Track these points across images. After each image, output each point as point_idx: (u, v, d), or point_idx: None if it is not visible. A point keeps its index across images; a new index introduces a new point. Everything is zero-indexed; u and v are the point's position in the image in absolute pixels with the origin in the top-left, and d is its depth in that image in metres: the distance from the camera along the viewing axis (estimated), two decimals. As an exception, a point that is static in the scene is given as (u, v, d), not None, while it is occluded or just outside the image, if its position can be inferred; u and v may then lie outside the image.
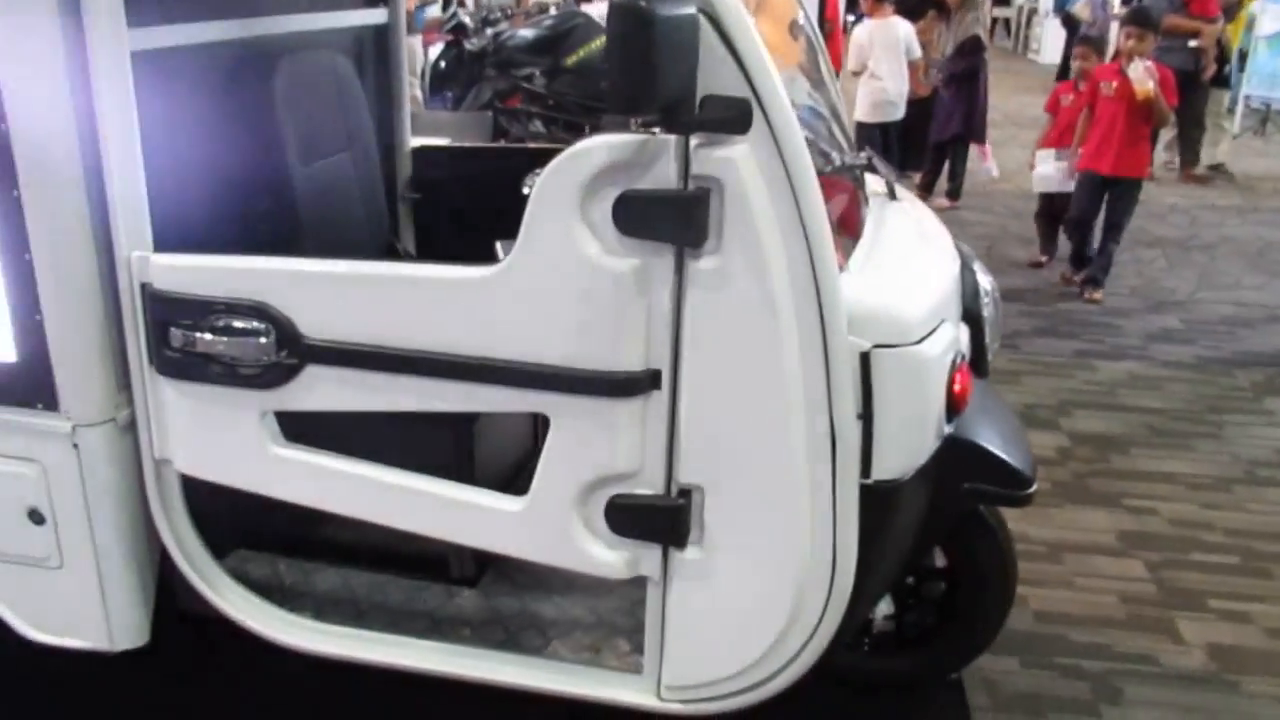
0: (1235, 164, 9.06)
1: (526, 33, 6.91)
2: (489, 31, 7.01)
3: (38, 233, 1.87)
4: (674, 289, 1.73)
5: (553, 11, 7.48)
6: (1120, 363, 4.82)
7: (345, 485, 2.01)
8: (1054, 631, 2.82)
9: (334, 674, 2.25)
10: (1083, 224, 5.74)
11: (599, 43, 6.62)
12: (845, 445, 1.77)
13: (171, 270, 1.91)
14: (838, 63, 7.80)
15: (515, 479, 2.46)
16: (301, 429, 2.03)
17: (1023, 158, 6.34)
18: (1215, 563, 3.19)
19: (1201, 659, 2.75)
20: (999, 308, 2.36)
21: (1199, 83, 8.10)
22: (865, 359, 1.79)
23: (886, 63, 7.25)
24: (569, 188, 1.70)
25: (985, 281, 2.30)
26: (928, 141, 7.72)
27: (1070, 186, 5.84)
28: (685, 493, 1.86)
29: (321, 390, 1.92)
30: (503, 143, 6.30)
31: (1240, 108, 10.27)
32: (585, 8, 7.33)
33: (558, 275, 1.74)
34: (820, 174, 1.69)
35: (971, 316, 2.22)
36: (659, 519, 1.88)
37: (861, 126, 7.10)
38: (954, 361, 1.97)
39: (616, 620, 2.22)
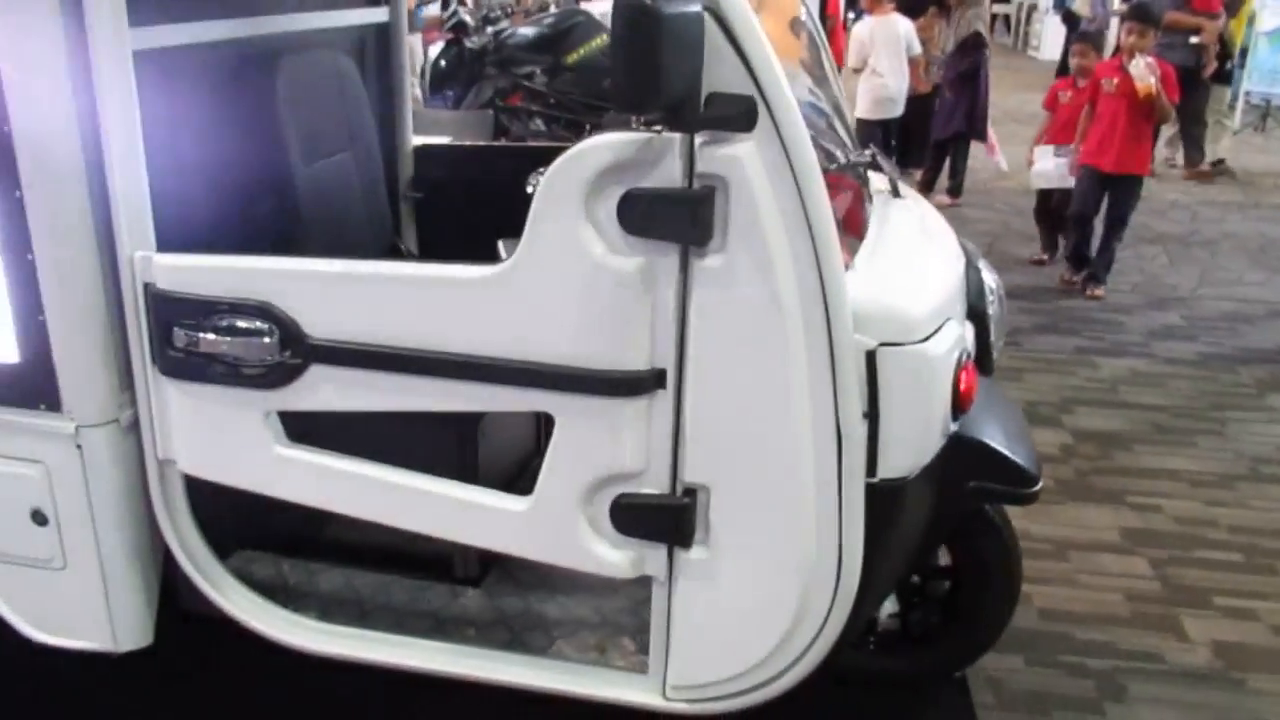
0: (1235, 160, 9.05)
1: (527, 31, 6.90)
2: (489, 30, 6.99)
3: (40, 233, 1.87)
4: (679, 288, 1.73)
5: (553, 9, 7.48)
6: (1122, 359, 4.81)
7: (349, 485, 2.01)
8: (1059, 629, 2.82)
9: (338, 674, 2.24)
10: (1084, 220, 5.74)
11: (600, 41, 6.61)
12: (851, 444, 1.77)
13: (174, 270, 1.91)
14: (839, 60, 7.79)
15: (518, 479, 2.46)
16: (305, 429, 2.03)
17: (1023, 154, 6.32)
18: (1219, 560, 3.19)
19: (1206, 656, 2.74)
20: (1004, 305, 2.35)
21: (1200, 79, 8.09)
22: (871, 357, 1.78)
23: (887, 59, 7.24)
24: (573, 186, 1.69)
25: (990, 279, 2.29)
26: (928, 139, 7.71)
27: (1069, 183, 5.83)
28: (690, 492, 1.85)
29: (325, 390, 1.92)
30: (503, 141, 6.29)
31: (1240, 104, 10.26)
32: (585, 6, 7.33)
33: (562, 274, 1.74)
34: (825, 172, 1.69)
35: (976, 314, 2.21)
36: (664, 518, 1.87)
37: (862, 123, 7.09)
38: (959, 360, 1.96)
39: (621, 620, 2.22)
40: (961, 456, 2.04)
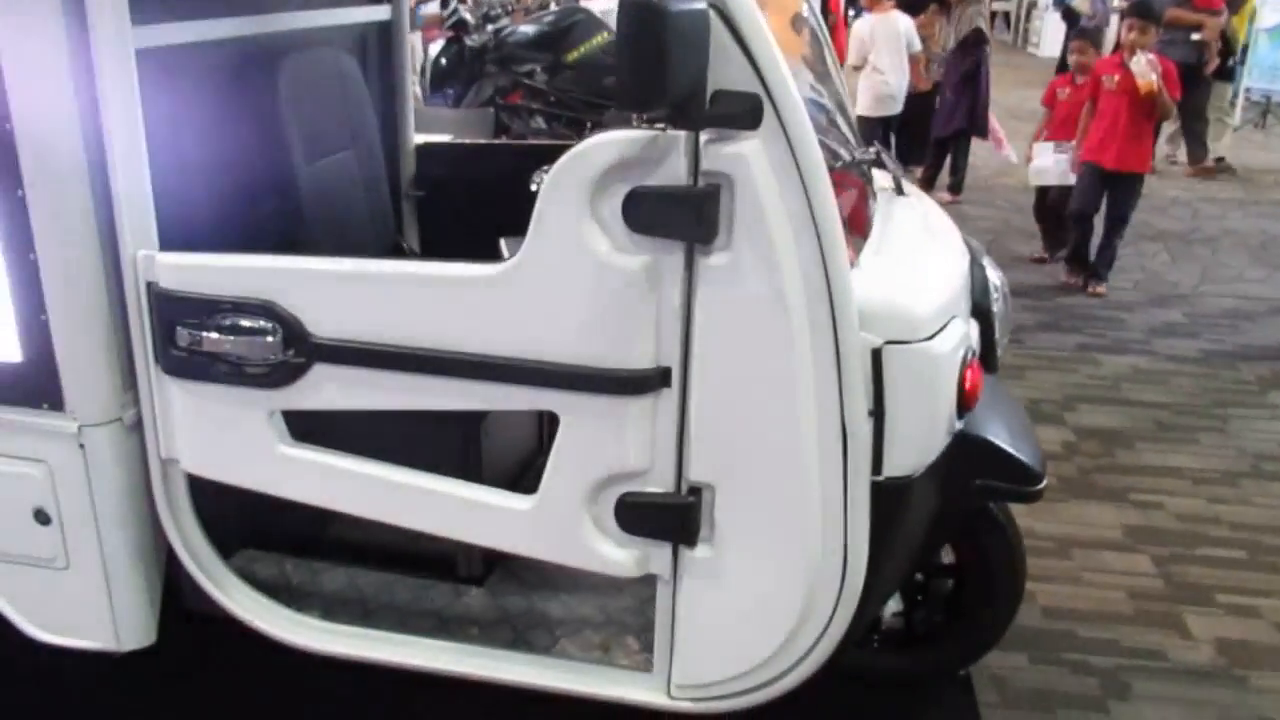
0: (1236, 157, 9.06)
1: (527, 29, 6.90)
2: (490, 28, 6.99)
3: (43, 232, 1.86)
4: (684, 286, 1.72)
5: (553, 7, 7.47)
6: (1124, 357, 4.81)
7: (353, 484, 2.00)
8: (1062, 627, 2.82)
9: (341, 674, 2.24)
10: (1085, 217, 5.73)
11: (600, 39, 6.61)
12: (857, 442, 1.76)
13: (177, 269, 1.90)
14: (840, 57, 7.78)
15: (521, 478, 2.46)
16: (308, 428, 2.02)
17: (1022, 151, 6.32)
18: (1222, 557, 3.19)
19: (1210, 654, 2.74)
20: (1008, 303, 2.35)
21: (1201, 76, 8.08)
22: (876, 355, 1.78)
23: (888, 57, 7.23)
24: (578, 184, 1.68)
25: (994, 276, 2.29)
26: (929, 136, 7.71)
27: (1070, 180, 5.82)
28: (695, 491, 1.85)
29: (329, 389, 1.91)
30: (504, 139, 6.29)
31: (1240, 100, 10.26)
32: (585, 3, 7.32)
33: (567, 272, 1.73)
34: (830, 169, 1.68)
35: (981, 312, 2.21)
36: (669, 517, 1.87)
37: (863, 121, 7.08)
38: (965, 358, 1.96)
39: (625, 619, 2.22)
40: (966, 454, 2.04)
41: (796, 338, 1.70)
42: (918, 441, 1.88)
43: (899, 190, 2.49)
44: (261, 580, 2.29)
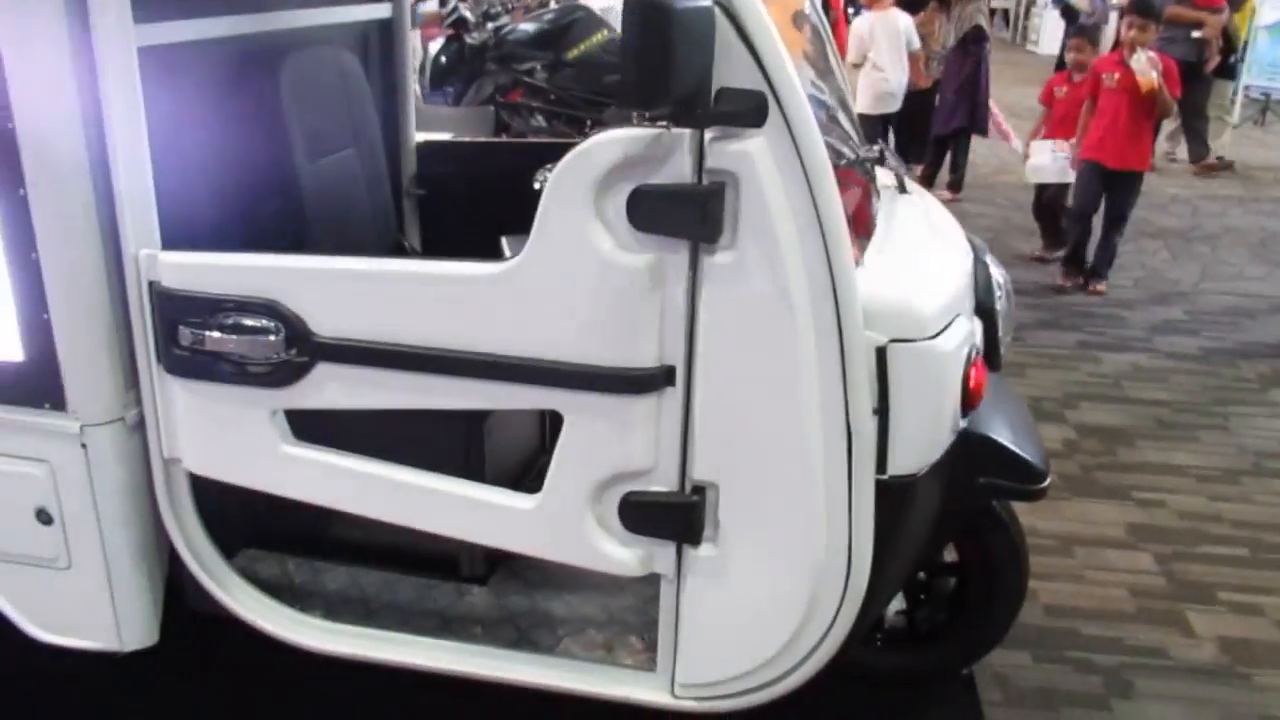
0: (1235, 154, 9.06)
1: (527, 27, 6.88)
2: (490, 26, 6.97)
3: (45, 231, 1.85)
4: (688, 285, 1.72)
5: (553, 5, 7.45)
6: (1124, 354, 4.81)
7: (356, 484, 2.00)
8: (1065, 625, 2.82)
9: (343, 673, 2.24)
10: (1084, 215, 5.73)
11: (600, 37, 6.59)
12: (861, 441, 1.76)
13: (180, 268, 1.89)
14: (840, 54, 7.77)
15: (523, 477, 2.45)
16: (311, 427, 2.02)
17: (1020, 149, 6.32)
18: (1224, 555, 3.19)
19: (1212, 652, 2.74)
20: (1011, 300, 2.35)
21: (1202, 74, 8.07)
22: (881, 354, 1.78)
23: (888, 54, 7.23)
24: (582, 183, 1.68)
25: (997, 274, 2.28)
26: (929, 134, 7.70)
27: (1069, 177, 5.81)
28: (700, 489, 1.84)
29: (332, 388, 1.91)
30: (504, 137, 6.28)
31: (1240, 97, 10.25)
32: (585, 1, 7.30)
33: (571, 271, 1.73)
34: (834, 167, 1.68)
35: (984, 310, 2.20)
36: (673, 516, 1.86)
37: (862, 119, 7.06)
38: (969, 356, 1.96)
39: (628, 618, 2.21)
40: (970, 453, 2.04)
41: (801, 336, 1.70)
42: (922, 440, 1.88)
43: (902, 188, 2.49)
44: (264, 580, 2.29)
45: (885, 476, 1.83)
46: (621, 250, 1.70)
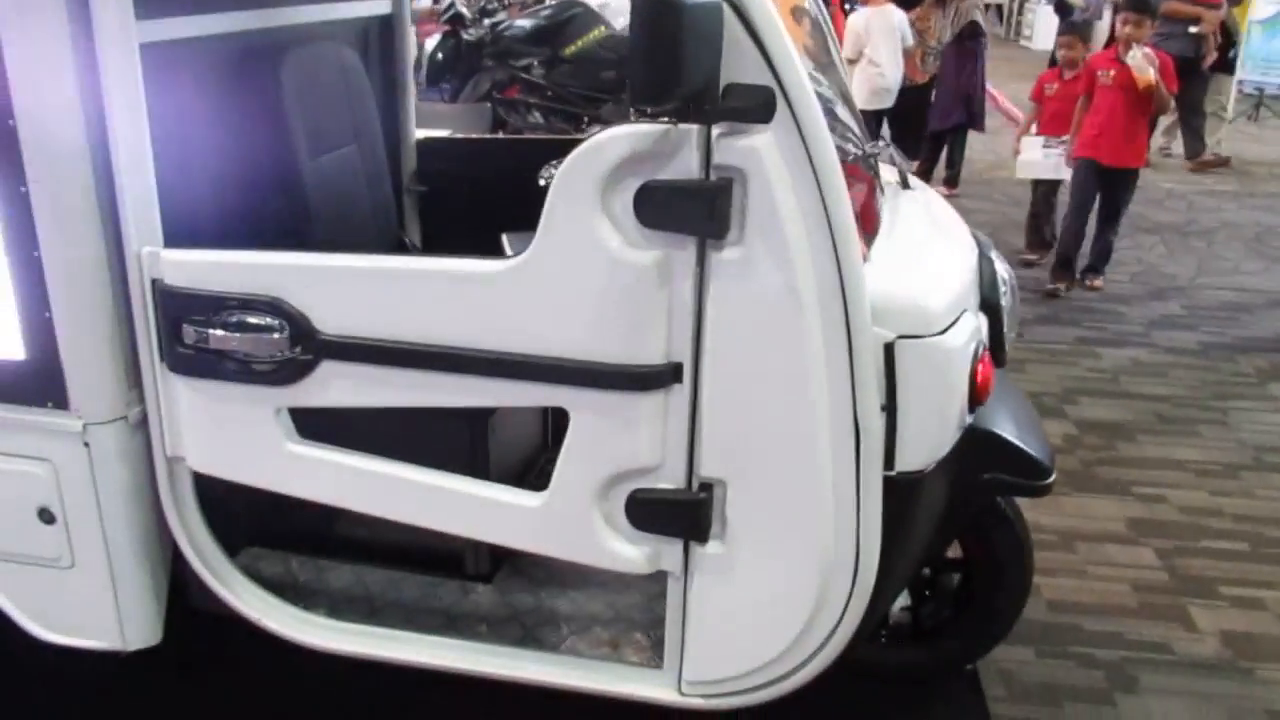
0: (1230, 149, 9.07)
1: (524, 23, 6.87)
2: (487, 22, 6.96)
3: (46, 229, 1.84)
4: (696, 281, 1.71)
5: (550, 1, 7.43)
6: (1123, 349, 4.82)
7: (360, 482, 1.99)
8: (1068, 621, 2.82)
9: (348, 672, 2.23)
10: (1081, 212, 5.72)
11: (597, 33, 6.58)
12: (869, 437, 1.75)
13: (182, 266, 1.88)
14: (839, 50, 7.76)
15: (526, 474, 2.45)
16: (315, 425, 2.01)
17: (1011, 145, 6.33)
18: (1226, 549, 3.19)
19: (1215, 646, 2.74)
20: (1016, 296, 2.34)
21: (1199, 69, 8.07)
22: (889, 350, 1.77)
23: (884, 50, 7.22)
24: (589, 179, 1.67)
25: (1002, 270, 2.28)
26: (925, 130, 7.70)
27: (1062, 174, 5.80)
28: (707, 487, 1.84)
29: (336, 386, 1.90)
30: (501, 134, 6.27)
31: (1234, 92, 10.26)
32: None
33: (578, 268, 1.72)
34: (840, 163, 1.67)
35: (990, 305, 2.20)
36: (680, 513, 1.86)
37: (861, 114, 7.07)
38: (976, 351, 1.95)
39: (634, 615, 2.21)
40: (977, 449, 2.03)
41: (809, 333, 1.69)
42: (930, 436, 1.87)
43: (905, 184, 2.48)
44: (268, 578, 2.28)
45: (893, 473, 1.82)
46: (629, 246, 1.69)
